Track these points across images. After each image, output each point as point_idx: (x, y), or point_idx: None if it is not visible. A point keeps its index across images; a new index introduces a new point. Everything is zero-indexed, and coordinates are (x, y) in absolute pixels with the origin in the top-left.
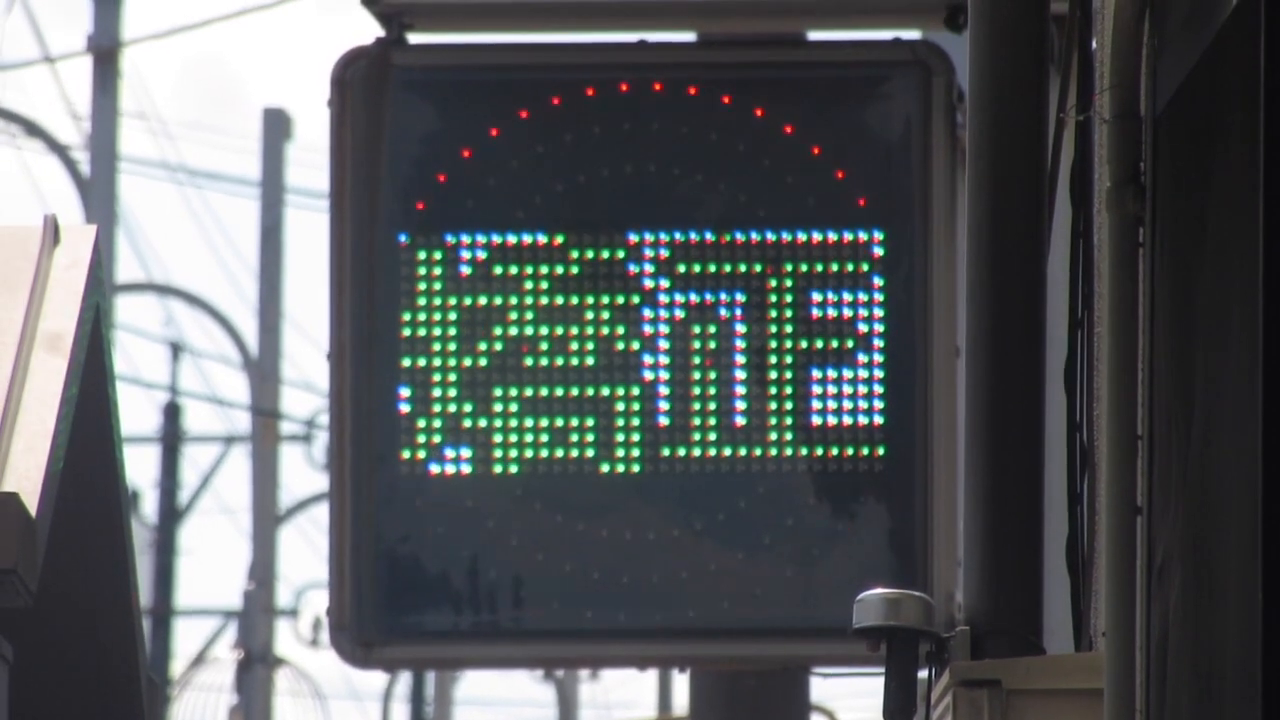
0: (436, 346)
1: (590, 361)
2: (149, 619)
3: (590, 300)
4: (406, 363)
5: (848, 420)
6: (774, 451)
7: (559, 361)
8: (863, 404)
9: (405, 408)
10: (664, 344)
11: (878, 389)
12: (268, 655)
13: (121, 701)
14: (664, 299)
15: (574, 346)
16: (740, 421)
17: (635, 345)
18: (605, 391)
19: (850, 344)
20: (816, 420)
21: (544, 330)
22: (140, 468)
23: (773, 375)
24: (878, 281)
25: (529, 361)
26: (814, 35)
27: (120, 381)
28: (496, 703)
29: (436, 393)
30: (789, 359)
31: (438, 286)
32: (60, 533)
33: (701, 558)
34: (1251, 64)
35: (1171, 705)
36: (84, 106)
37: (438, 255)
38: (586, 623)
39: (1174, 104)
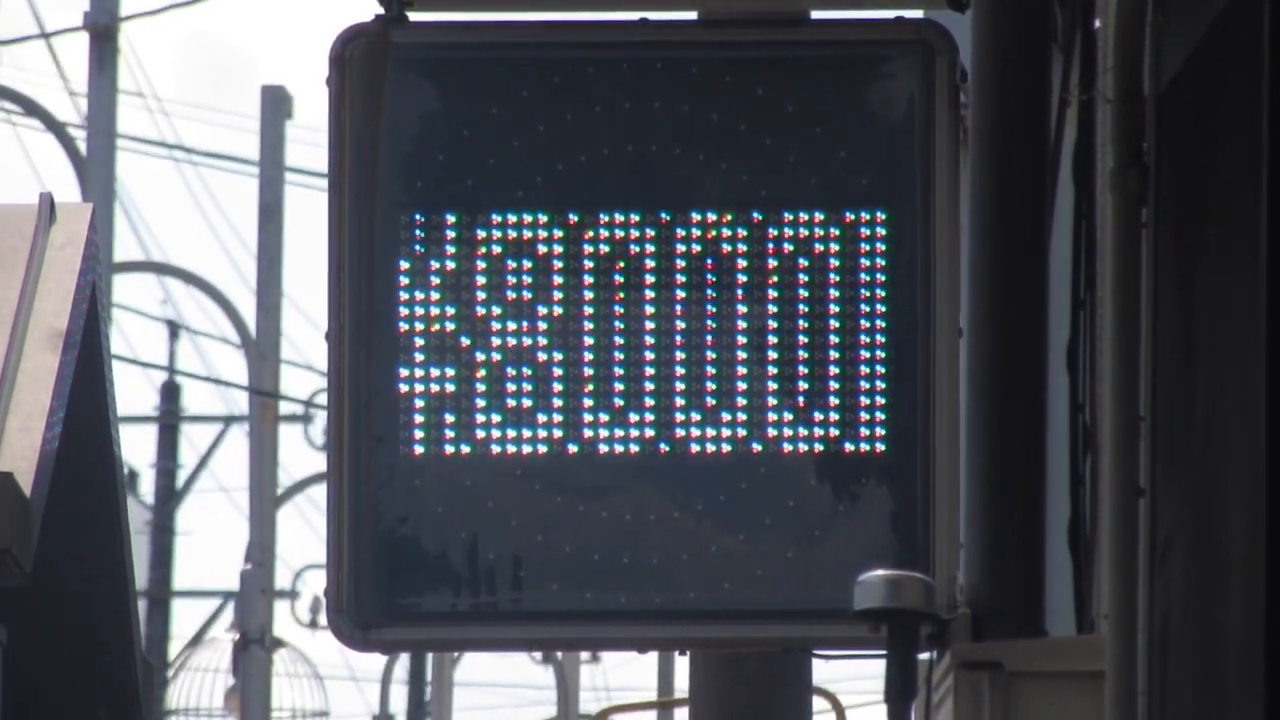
0: (436, 326)
1: (590, 341)
2: (147, 600)
3: (590, 280)
4: (405, 342)
5: (849, 401)
6: (774, 432)
7: (559, 341)
8: (864, 384)
9: (404, 388)
10: (664, 324)
11: (879, 369)
12: (265, 637)
13: (117, 682)
14: (665, 279)
15: (574, 326)
16: (741, 402)
17: (635, 325)
18: (605, 371)
19: (852, 324)
20: (819, 400)
21: (544, 310)
22: (138, 448)
23: (773, 355)
24: (880, 262)
25: (529, 341)
26: (816, 14)
27: (118, 361)
28: (496, 685)
29: (435, 372)
30: (790, 339)
31: (437, 266)
32: (55, 513)
33: (702, 539)
34: (1255, 44)
35: (1174, 687)
36: (81, 84)
37: (437, 235)
38: (586, 604)
39: (1177, 84)
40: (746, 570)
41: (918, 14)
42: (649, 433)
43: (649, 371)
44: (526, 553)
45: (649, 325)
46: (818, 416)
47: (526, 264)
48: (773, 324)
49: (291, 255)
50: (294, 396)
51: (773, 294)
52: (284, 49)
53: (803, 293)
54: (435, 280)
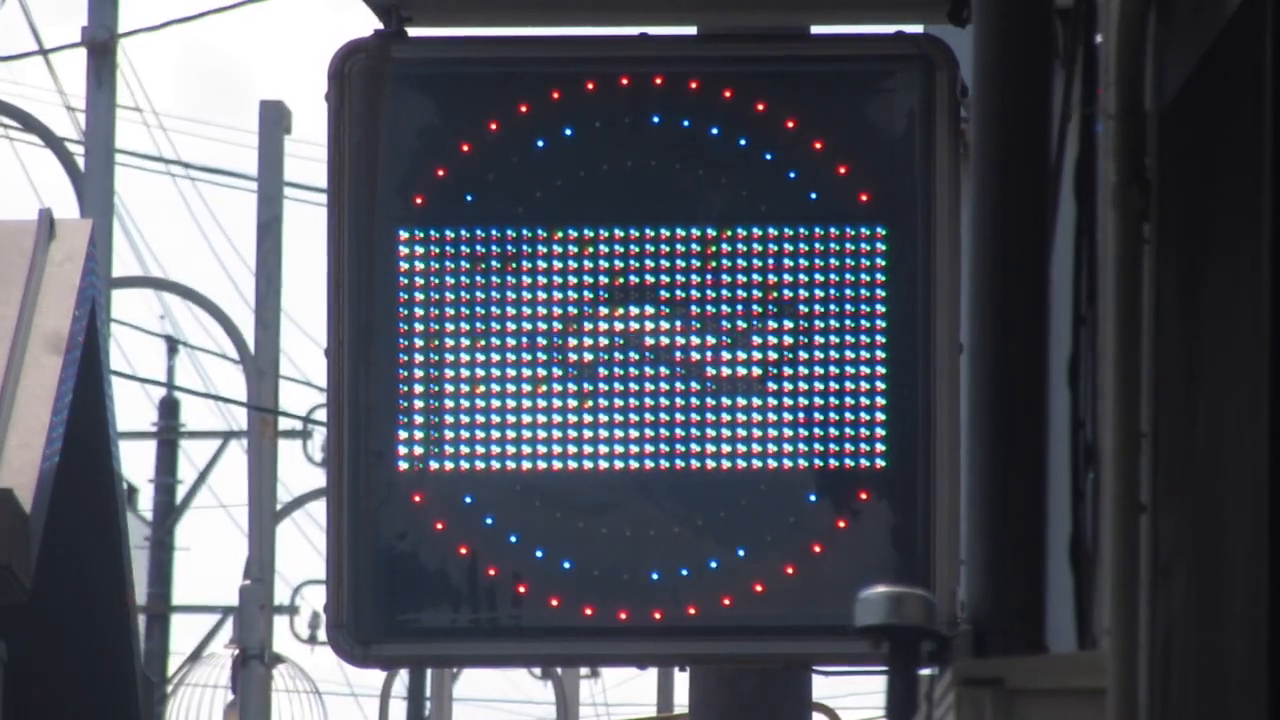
0: (435, 342)
1: (589, 357)
2: (146, 615)
3: (590, 296)
4: (405, 358)
5: (850, 416)
6: (775, 448)
7: (558, 357)
8: (865, 400)
9: (403, 403)
10: (664, 340)
11: (880, 385)
12: (265, 652)
13: (116, 698)
14: (665, 294)
15: (573, 342)
16: (741, 418)
17: (635, 340)
18: (605, 387)
19: (852, 339)
20: (819, 416)
21: (543, 326)
22: (137, 463)
23: (774, 371)
24: (880, 278)
25: (528, 357)
26: (817, 29)
27: (116, 377)
28: (495, 701)
29: (435, 388)
30: (790, 355)
31: (436, 281)
32: (55, 529)
33: (702, 555)
34: (1257, 59)
35: (1176, 703)
36: (80, 99)
37: (436, 250)
38: (586, 620)
39: (1179, 99)
40: (747, 586)
41: (918, 29)
42: (649, 448)
43: (649, 387)
44: (526, 569)
45: (649, 341)
46: (818, 433)
47: (525, 280)
48: (773, 339)
49: (290, 270)
50: (293, 412)
51: (773, 310)
52: (283, 64)
53: (803, 308)
54: (434, 296)
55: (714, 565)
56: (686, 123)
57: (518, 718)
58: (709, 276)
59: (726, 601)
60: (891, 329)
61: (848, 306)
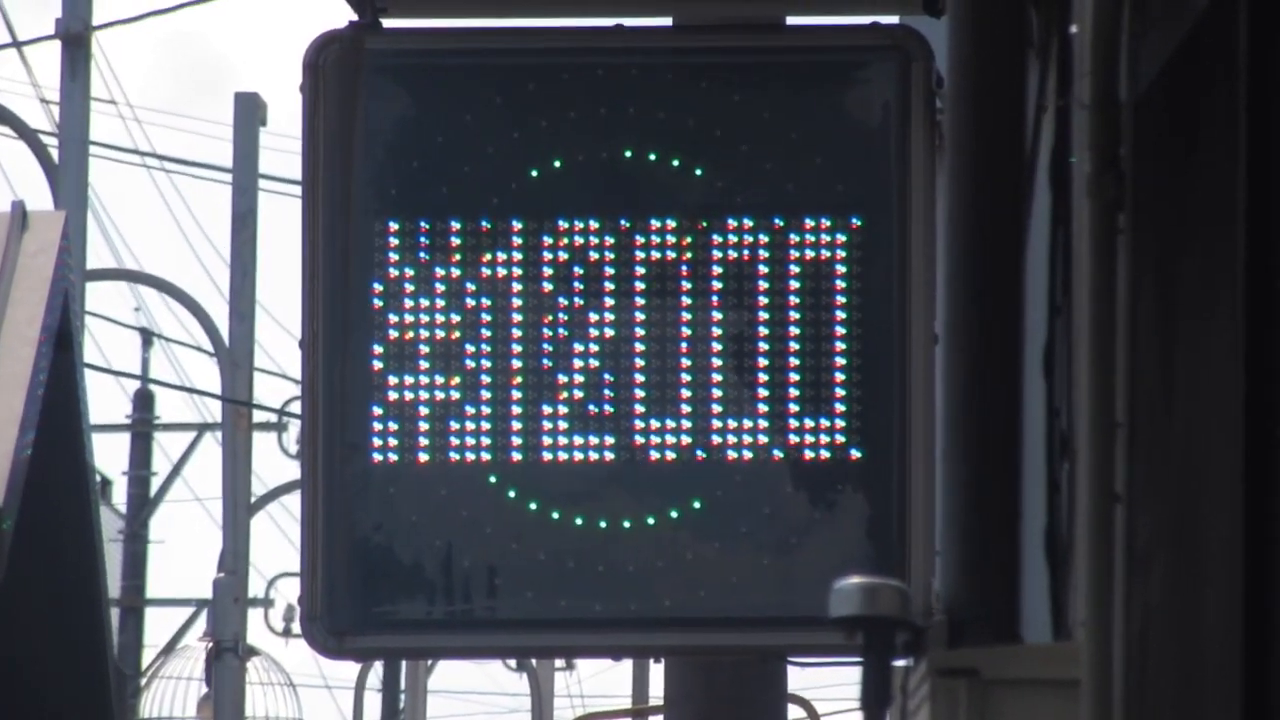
0: (410, 334)
1: (565, 349)
2: (120, 608)
3: (565, 287)
4: (380, 350)
5: (825, 407)
6: (750, 439)
7: (534, 349)
8: (839, 391)
9: (378, 395)
10: (640, 330)
11: (855, 376)
12: (239, 645)
13: (89, 691)
14: (640, 285)
15: (549, 333)
16: (717, 409)
17: (610, 332)
18: (580, 379)
19: (827, 330)
20: (794, 408)
21: (519, 317)
22: (111, 456)
23: (749, 362)
24: (855, 268)
25: (503, 349)
26: (792, 20)
27: (91, 369)
28: (470, 692)
29: (410, 380)
30: (766, 345)
31: (411, 273)
32: (27, 521)
33: (678, 546)
34: (1232, 49)
35: (1151, 694)
36: (54, 91)
37: (412, 241)
38: (561, 612)
39: (1154, 89)
40: (722, 577)
41: (893, 20)
42: (625, 439)
43: (624, 379)
44: (501, 560)
45: (624, 331)
46: (793, 424)
47: (500, 271)
48: (748, 330)
49: (265, 263)
50: (268, 405)
51: (748, 300)
52: (258, 56)
53: (778, 299)
54: (409, 288)
55: (689, 556)
56: (662, 114)
57: (493, 710)
58: (684, 267)
59: (702, 593)
60: (867, 319)
61: (823, 297)
